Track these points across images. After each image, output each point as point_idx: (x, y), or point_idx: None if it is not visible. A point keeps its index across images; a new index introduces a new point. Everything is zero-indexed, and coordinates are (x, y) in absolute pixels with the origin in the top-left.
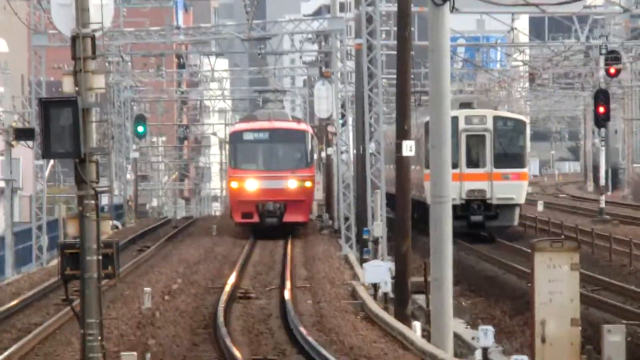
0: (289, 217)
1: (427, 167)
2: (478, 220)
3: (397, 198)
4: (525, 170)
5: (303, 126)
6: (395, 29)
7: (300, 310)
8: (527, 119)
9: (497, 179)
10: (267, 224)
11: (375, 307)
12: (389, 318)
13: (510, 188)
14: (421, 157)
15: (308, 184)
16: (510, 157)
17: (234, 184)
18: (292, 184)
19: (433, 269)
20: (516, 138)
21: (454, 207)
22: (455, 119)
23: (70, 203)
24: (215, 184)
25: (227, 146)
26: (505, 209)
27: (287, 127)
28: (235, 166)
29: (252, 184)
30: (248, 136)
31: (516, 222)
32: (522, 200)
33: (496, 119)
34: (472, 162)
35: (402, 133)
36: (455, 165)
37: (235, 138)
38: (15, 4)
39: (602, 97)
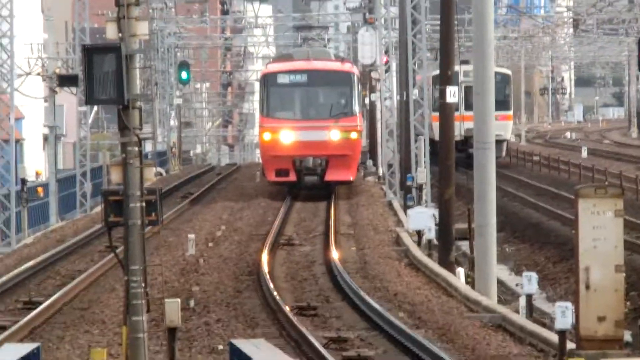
0: (331, 175)
1: (434, 110)
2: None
3: (440, 145)
4: (509, 112)
5: (348, 66)
6: None
7: (344, 257)
8: (509, 72)
9: (501, 119)
10: (305, 183)
11: (419, 253)
12: (432, 264)
13: (498, 127)
14: (430, 102)
15: (354, 135)
16: (498, 103)
17: (267, 136)
18: (335, 135)
19: (477, 215)
20: (502, 88)
21: (456, 142)
22: (456, 73)
23: (113, 150)
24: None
25: (258, 90)
26: (495, 144)
27: (329, 68)
28: (267, 114)
29: (287, 136)
30: (283, 78)
31: (504, 154)
32: (508, 137)
33: (496, 74)
34: (469, 107)
35: (446, 79)
36: (456, 109)
37: (268, 80)
38: None
39: None
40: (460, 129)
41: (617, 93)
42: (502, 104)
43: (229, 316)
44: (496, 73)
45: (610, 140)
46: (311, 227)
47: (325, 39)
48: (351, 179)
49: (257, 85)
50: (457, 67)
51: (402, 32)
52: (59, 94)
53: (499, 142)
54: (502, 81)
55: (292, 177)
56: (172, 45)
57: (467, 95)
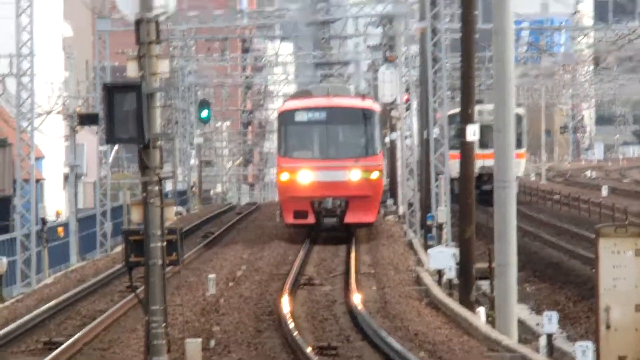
0: (351, 217)
1: (451, 148)
2: (488, 188)
3: (460, 184)
4: (522, 150)
5: (369, 103)
6: (460, 12)
7: (364, 297)
8: (523, 112)
9: (494, 157)
10: (324, 225)
11: (439, 293)
12: (453, 304)
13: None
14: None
15: (375, 175)
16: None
17: (284, 176)
18: (355, 175)
19: (497, 254)
20: (516, 127)
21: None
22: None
23: (134, 189)
24: None
25: (276, 129)
26: None
27: (349, 105)
28: (285, 154)
29: (306, 176)
30: (301, 116)
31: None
32: (520, 174)
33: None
34: (483, 144)
35: (466, 117)
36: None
37: (286, 118)
38: None
39: None
40: (474, 166)
41: (638, 131)
42: (518, 142)
43: (250, 356)
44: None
45: (631, 178)
46: (331, 267)
47: (345, 76)
48: (372, 221)
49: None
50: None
51: (422, 70)
52: (80, 133)
53: None
54: (515, 120)
55: (311, 219)
56: (192, 83)
57: (482, 133)
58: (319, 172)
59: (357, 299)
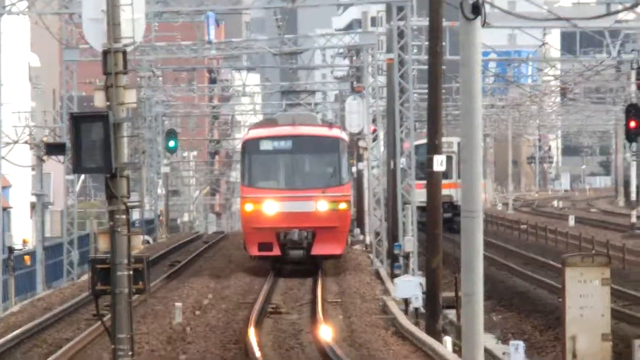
0: (319, 249)
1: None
2: (447, 216)
3: (427, 214)
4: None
5: (336, 132)
6: (427, 43)
7: (331, 326)
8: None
9: (460, 187)
10: (290, 257)
11: (406, 322)
12: (419, 333)
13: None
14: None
15: (343, 205)
16: None
17: (248, 207)
18: (322, 206)
19: (464, 283)
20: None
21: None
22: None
23: (101, 218)
24: None
25: (239, 158)
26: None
27: (315, 134)
28: (249, 184)
29: (271, 207)
30: (266, 145)
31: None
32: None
33: (459, 144)
34: (443, 175)
35: (434, 148)
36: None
37: (250, 147)
38: (47, 19)
39: (633, 111)
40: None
41: (604, 162)
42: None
43: None
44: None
45: (597, 208)
46: (298, 296)
47: (312, 104)
48: (340, 252)
49: None
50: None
51: (389, 101)
52: (47, 163)
53: None
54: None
55: (276, 251)
56: (159, 113)
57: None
58: (284, 203)
59: (323, 328)
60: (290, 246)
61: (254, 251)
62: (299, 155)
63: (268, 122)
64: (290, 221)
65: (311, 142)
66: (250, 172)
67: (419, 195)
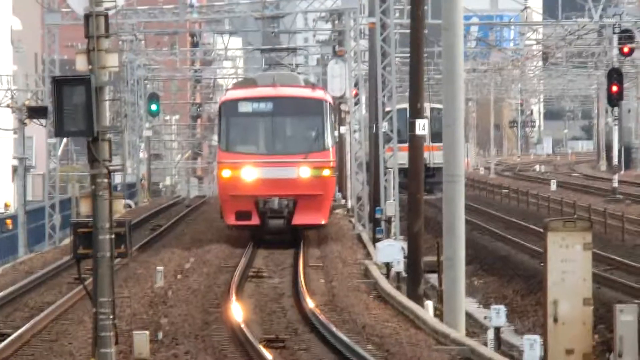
0: (300, 218)
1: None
2: (430, 180)
3: (409, 178)
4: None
5: (320, 94)
6: (409, 7)
7: (312, 289)
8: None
9: (433, 150)
10: (270, 227)
11: (387, 286)
12: (401, 297)
13: (442, 156)
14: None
15: (326, 172)
16: (441, 135)
17: (226, 173)
18: (304, 172)
19: (446, 248)
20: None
21: (406, 169)
22: (405, 110)
23: (83, 182)
24: None
25: (217, 121)
26: (439, 170)
27: (297, 95)
28: (226, 148)
29: (249, 173)
30: (244, 107)
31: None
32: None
33: (432, 109)
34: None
35: (415, 111)
36: (406, 141)
37: (228, 109)
38: None
39: (615, 76)
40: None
41: (586, 126)
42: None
43: (198, 348)
44: (439, 109)
45: (579, 173)
46: (280, 260)
47: (294, 64)
48: (323, 222)
49: None
50: (405, 105)
51: (371, 65)
52: (29, 126)
53: (441, 169)
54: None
55: (255, 220)
56: (141, 77)
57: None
58: (264, 169)
59: (305, 291)
60: (270, 215)
61: (231, 220)
62: (280, 118)
63: (247, 82)
64: (270, 188)
65: (293, 104)
66: (227, 135)
67: (400, 158)
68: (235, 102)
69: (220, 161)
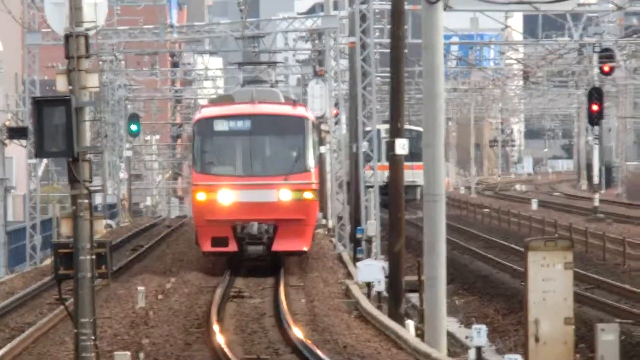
0: (281, 244)
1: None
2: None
3: (389, 197)
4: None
5: (301, 111)
6: (389, 27)
7: (293, 309)
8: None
9: (406, 169)
10: (249, 254)
11: (368, 306)
12: (382, 317)
13: (413, 175)
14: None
15: (308, 195)
16: (414, 155)
17: (200, 196)
18: (285, 195)
19: (427, 267)
20: (418, 142)
21: (380, 187)
22: (379, 130)
23: (63, 202)
24: None
25: (191, 140)
26: (410, 188)
27: (278, 112)
28: (201, 170)
29: (226, 196)
30: (220, 125)
31: (419, 197)
32: (421, 183)
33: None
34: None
35: (396, 131)
36: (380, 160)
37: (203, 128)
38: (9, 2)
39: (595, 95)
40: (383, 176)
41: (567, 145)
42: (418, 155)
43: None
44: (412, 130)
45: (560, 192)
46: (261, 280)
47: (274, 78)
48: (305, 249)
49: None
50: (379, 126)
51: (352, 85)
52: (9, 147)
53: (413, 187)
54: (419, 137)
55: (232, 246)
56: (122, 97)
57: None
58: (242, 192)
59: (286, 311)
60: (248, 241)
61: (207, 246)
62: (258, 137)
63: (223, 99)
64: (249, 212)
65: (273, 122)
66: (202, 156)
67: (379, 176)
68: (210, 120)
69: (195, 183)
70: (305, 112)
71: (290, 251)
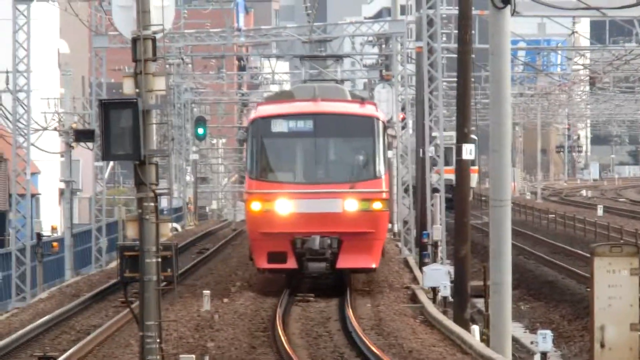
0: (346, 261)
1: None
2: (451, 197)
3: (455, 202)
4: (475, 167)
5: (370, 110)
6: (456, 31)
7: (359, 314)
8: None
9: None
10: (310, 271)
11: (434, 310)
12: (447, 322)
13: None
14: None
15: (377, 205)
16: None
17: (255, 206)
18: (351, 205)
19: (492, 273)
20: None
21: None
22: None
23: (129, 205)
24: None
25: (245, 143)
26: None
27: (344, 111)
28: (257, 176)
29: (284, 206)
30: (278, 126)
31: (470, 198)
32: (474, 185)
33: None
34: (448, 162)
35: (462, 136)
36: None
37: (259, 129)
38: (76, 6)
39: None
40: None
41: (633, 151)
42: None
43: None
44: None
45: (626, 198)
46: (326, 284)
47: (339, 73)
48: (374, 266)
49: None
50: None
51: (418, 89)
52: (75, 149)
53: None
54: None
55: (291, 263)
56: (188, 100)
57: (446, 155)
58: (302, 201)
59: (351, 315)
60: (309, 257)
61: (262, 263)
62: (321, 139)
63: (282, 96)
64: (310, 225)
65: (338, 122)
66: (258, 161)
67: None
68: (267, 119)
69: (249, 191)
70: (375, 111)
71: (357, 268)
